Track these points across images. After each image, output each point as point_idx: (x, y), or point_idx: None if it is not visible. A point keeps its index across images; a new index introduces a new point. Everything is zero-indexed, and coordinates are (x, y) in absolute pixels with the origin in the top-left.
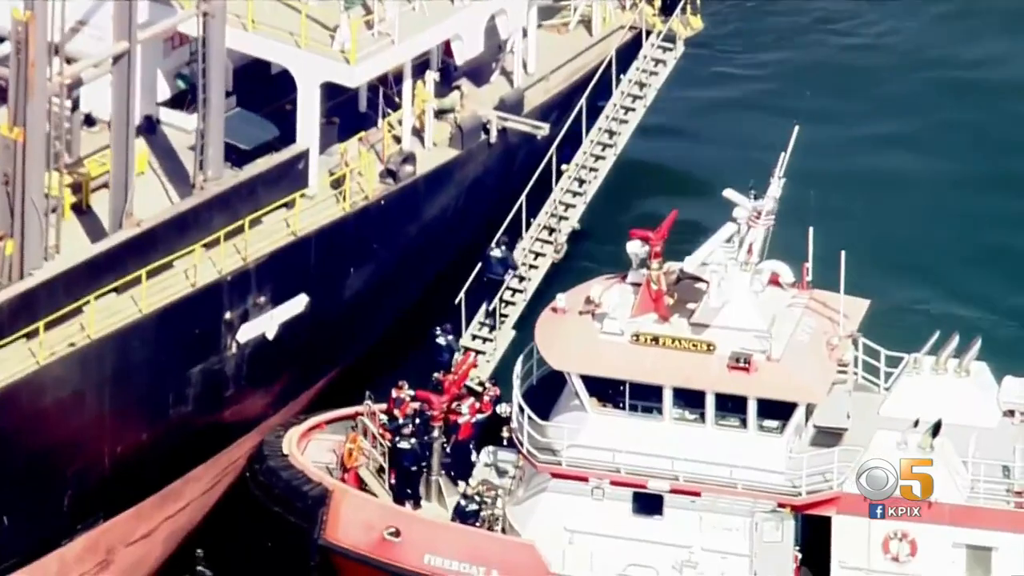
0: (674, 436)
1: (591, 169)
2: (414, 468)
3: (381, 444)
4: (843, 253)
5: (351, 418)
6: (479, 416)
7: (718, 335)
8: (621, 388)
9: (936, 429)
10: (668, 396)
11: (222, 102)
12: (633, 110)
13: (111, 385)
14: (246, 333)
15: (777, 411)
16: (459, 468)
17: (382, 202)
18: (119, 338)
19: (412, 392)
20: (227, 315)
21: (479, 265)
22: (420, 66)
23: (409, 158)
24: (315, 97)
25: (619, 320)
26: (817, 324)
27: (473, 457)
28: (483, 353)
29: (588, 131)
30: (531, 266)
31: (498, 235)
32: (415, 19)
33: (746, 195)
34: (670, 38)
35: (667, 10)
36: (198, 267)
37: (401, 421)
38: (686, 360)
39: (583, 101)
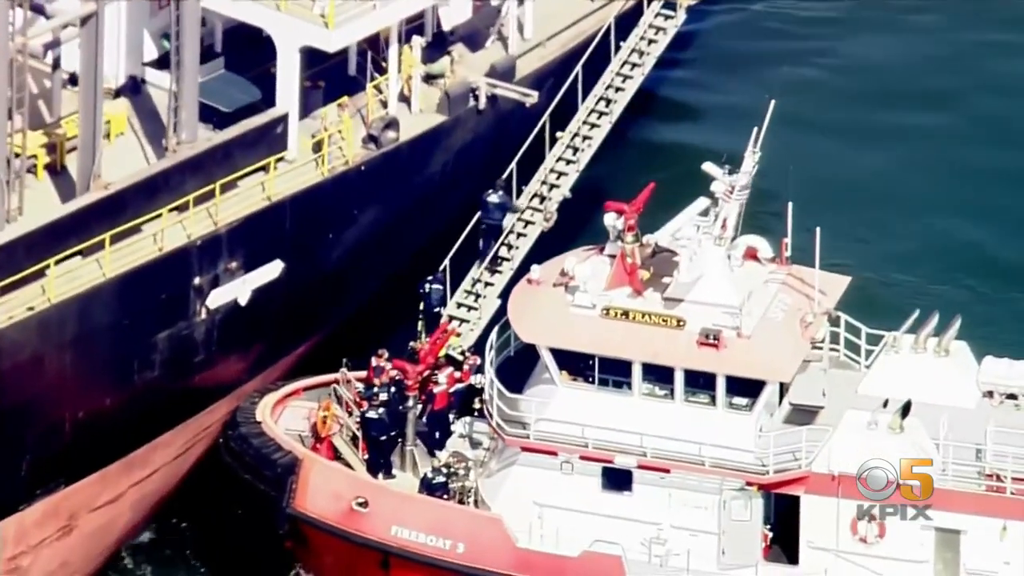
0: (643, 412)
1: (585, 137)
2: (383, 438)
3: (355, 413)
4: (818, 230)
5: (329, 385)
6: (458, 386)
7: (689, 310)
8: (591, 362)
9: (906, 410)
10: (637, 371)
11: (196, 64)
12: (631, 78)
13: (71, 350)
14: (217, 299)
15: (746, 389)
16: (436, 438)
17: (362, 167)
18: (80, 303)
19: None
20: (196, 280)
21: (478, 213)
22: (414, 31)
23: (392, 123)
24: (294, 61)
25: (591, 293)
26: (793, 301)
27: (452, 428)
28: (467, 322)
29: (584, 99)
30: (520, 234)
31: (498, 180)
32: None
33: (717, 173)
34: (671, 5)
35: None
36: (166, 232)
37: (376, 390)
38: (656, 335)
39: (579, 68)
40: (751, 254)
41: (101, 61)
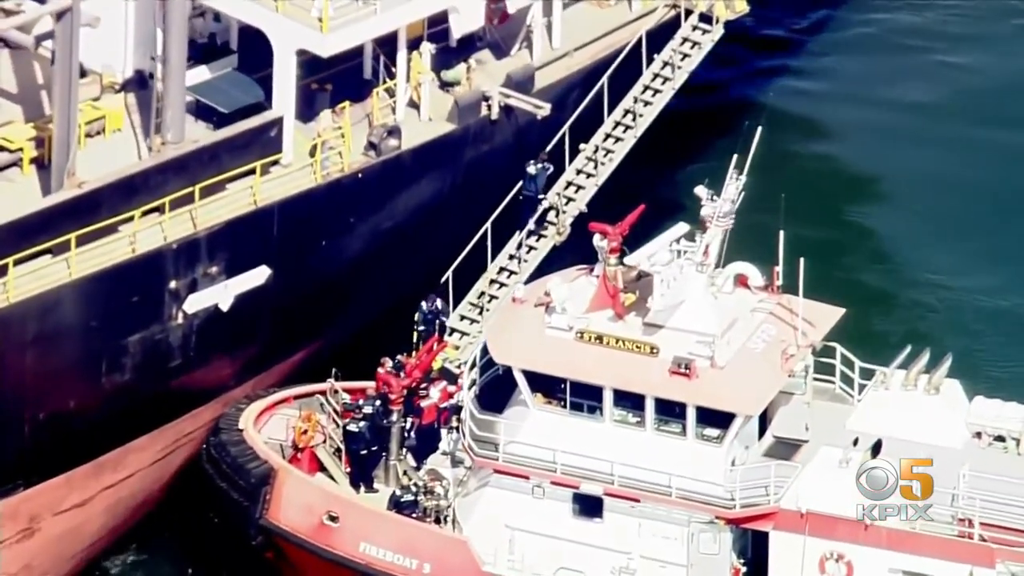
0: (613, 439)
1: (607, 151)
2: (363, 452)
3: (338, 424)
4: (802, 260)
5: (320, 394)
6: (451, 401)
7: (663, 338)
8: (563, 386)
9: (876, 449)
10: (608, 397)
11: (182, 62)
12: (660, 92)
13: (31, 351)
14: (195, 303)
15: (717, 420)
16: (424, 453)
17: (360, 175)
18: (41, 303)
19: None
20: (172, 284)
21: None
22: (437, 36)
23: (394, 131)
24: (291, 63)
25: (569, 315)
26: (778, 332)
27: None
28: (468, 335)
29: (610, 111)
30: (531, 248)
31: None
32: None
33: (704, 196)
34: (708, 19)
35: None
36: (142, 233)
37: (360, 402)
38: (628, 361)
39: (604, 80)
40: (743, 281)
41: (76, 57)
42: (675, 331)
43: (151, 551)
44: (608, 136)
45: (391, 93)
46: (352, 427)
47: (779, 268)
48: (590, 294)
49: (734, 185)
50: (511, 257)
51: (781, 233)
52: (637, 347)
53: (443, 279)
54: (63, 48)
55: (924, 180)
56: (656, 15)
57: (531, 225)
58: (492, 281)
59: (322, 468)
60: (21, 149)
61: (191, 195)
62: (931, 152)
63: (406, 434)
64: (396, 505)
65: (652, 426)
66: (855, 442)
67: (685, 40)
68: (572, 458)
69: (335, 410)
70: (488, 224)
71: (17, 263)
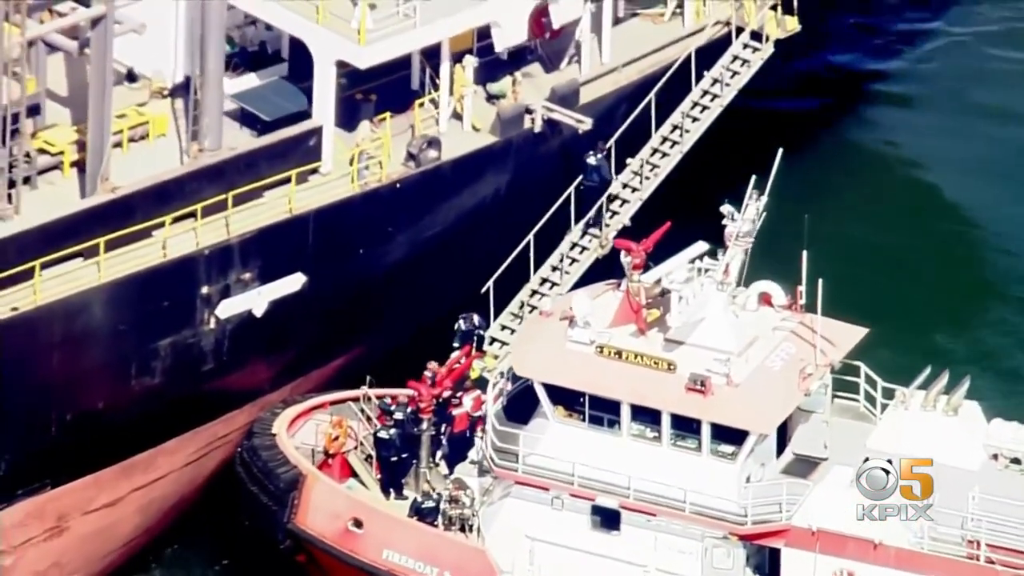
0: (630, 453)
1: (653, 166)
2: (393, 458)
3: (373, 430)
4: (819, 281)
5: (355, 400)
6: (483, 410)
7: (682, 354)
8: (582, 400)
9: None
10: (626, 412)
11: (220, 69)
12: (708, 108)
13: (59, 352)
14: (228, 309)
15: (731, 437)
16: (456, 461)
17: (398, 185)
18: (69, 305)
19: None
20: (204, 289)
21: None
22: (483, 49)
23: (433, 142)
24: (330, 73)
25: (591, 330)
26: (797, 350)
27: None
28: (508, 344)
29: (657, 127)
30: (573, 260)
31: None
32: (447, 2)
33: (727, 214)
34: (759, 37)
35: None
36: (175, 239)
37: (393, 408)
38: (646, 377)
39: (652, 96)
40: (767, 300)
41: (110, 63)
42: (694, 348)
43: (186, 552)
44: (655, 151)
45: (436, 104)
46: (382, 434)
47: (802, 287)
48: (615, 309)
49: (754, 206)
50: (554, 269)
51: (804, 253)
52: (655, 363)
53: (483, 289)
54: (98, 54)
55: (954, 198)
56: (707, 32)
57: (593, 213)
58: (534, 292)
59: (354, 474)
60: (62, 152)
61: (226, 202)
62: (955, 172)
63: (440, 441)
64: (417, 512)
65: (668, 441)
66: (864, 462)
67: (736, 58)
68: (589, 471)
69: (368, 416)
70: (531, 235)
71: (48, 265)
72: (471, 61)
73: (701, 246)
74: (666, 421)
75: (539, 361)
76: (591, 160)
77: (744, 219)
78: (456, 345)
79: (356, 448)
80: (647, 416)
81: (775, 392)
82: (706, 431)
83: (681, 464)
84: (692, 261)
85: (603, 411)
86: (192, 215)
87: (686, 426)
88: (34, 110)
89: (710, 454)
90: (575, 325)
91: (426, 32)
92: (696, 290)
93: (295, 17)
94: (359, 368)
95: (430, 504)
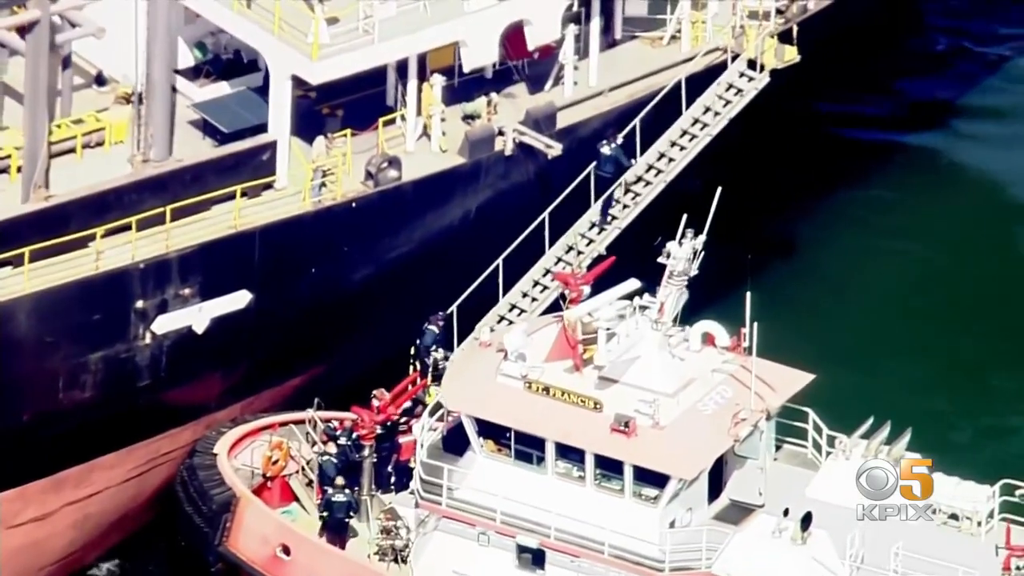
0: (555, 491)
1: (635, 195)
2: (346, 520)
3: (316, 454)
4: (755, 324)
5: (301, 423)
6: None
7: (611, 394)
8: (508, 435)
9: (806, 521)
10: (551, 450)
11: (167, 79)
12: (696, 138)
13: None
14: (165, 324)
15: (654, 480)
16: (401, 489)
17: (353, 204)
18: None
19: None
20: (139, 303)
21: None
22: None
23: (394, 161)
24: (286, 87)
25: (523, 364)
26: (734, 394)
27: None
28: None
29: (641, 153)
30: (544, 287)
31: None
32: (412, 20)
33: (662, 251)
34: (754, 66)
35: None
36: (104, 251)
37: (338, 432)
38: (572, 415)
39: (637, 122)
40: (711, 340)
41: (44, 69)
42: (625, 387)
43: (125, 569)
44: (639, 179)
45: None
46: (324, 459)
47: (745, 329)
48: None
49: (688, 245)
50: (524, 295)
51: (748, 294)
52: (582, 401)
53: (447, 312)
54: (32, 58)
55: (910, 244)
56: (705, 59)
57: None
58: (501, 318)
59: (295, 498)
60: (9, 156)
61: (176, 213)
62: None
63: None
64: (326, 506)
65: (593, 482)
66: (785, 512)
67: (730, 86)
68: (513, 507)
69: (313, 440)
70: (499, 260)
71: None
72: (439, 80)
73: (633, 283)
74: (590, 461)
75: (467, 394)
76: (604, 150)
77: (676, 258)
78: (415, 363)
79: (298, 472)
80: (573, 455)
81: (701, 437)
82: (628, 473)
83: (604, 505)
84: (627, 298)
85: (530, 447)
86: (127, 228)
87: (611, 467)
88: None
89: (632, 497)
90: (508, 358)
91: (385, 49)
92: (631, 328)
93: (253, 28)
94: (319, 389)
95: (340, 499)
